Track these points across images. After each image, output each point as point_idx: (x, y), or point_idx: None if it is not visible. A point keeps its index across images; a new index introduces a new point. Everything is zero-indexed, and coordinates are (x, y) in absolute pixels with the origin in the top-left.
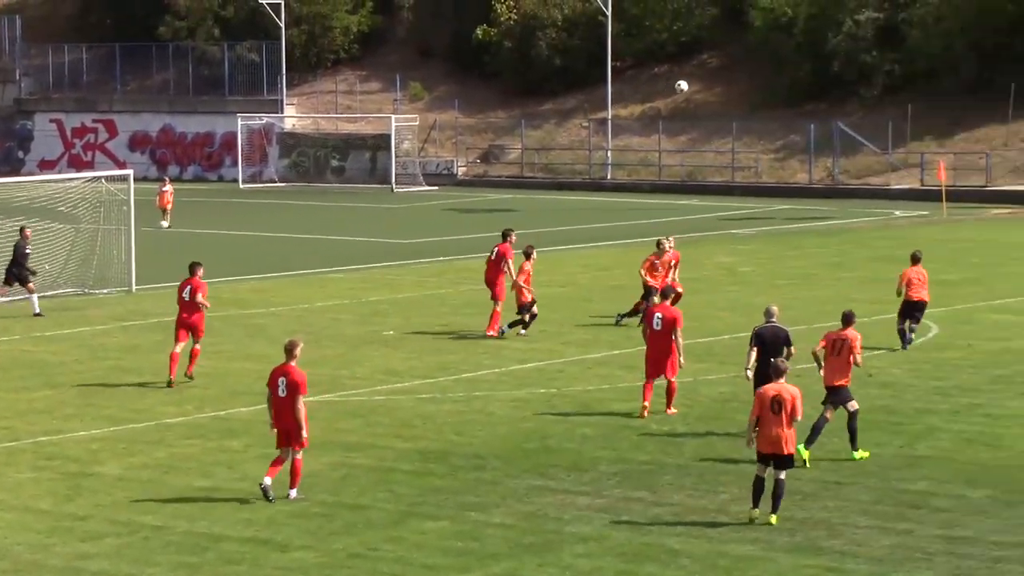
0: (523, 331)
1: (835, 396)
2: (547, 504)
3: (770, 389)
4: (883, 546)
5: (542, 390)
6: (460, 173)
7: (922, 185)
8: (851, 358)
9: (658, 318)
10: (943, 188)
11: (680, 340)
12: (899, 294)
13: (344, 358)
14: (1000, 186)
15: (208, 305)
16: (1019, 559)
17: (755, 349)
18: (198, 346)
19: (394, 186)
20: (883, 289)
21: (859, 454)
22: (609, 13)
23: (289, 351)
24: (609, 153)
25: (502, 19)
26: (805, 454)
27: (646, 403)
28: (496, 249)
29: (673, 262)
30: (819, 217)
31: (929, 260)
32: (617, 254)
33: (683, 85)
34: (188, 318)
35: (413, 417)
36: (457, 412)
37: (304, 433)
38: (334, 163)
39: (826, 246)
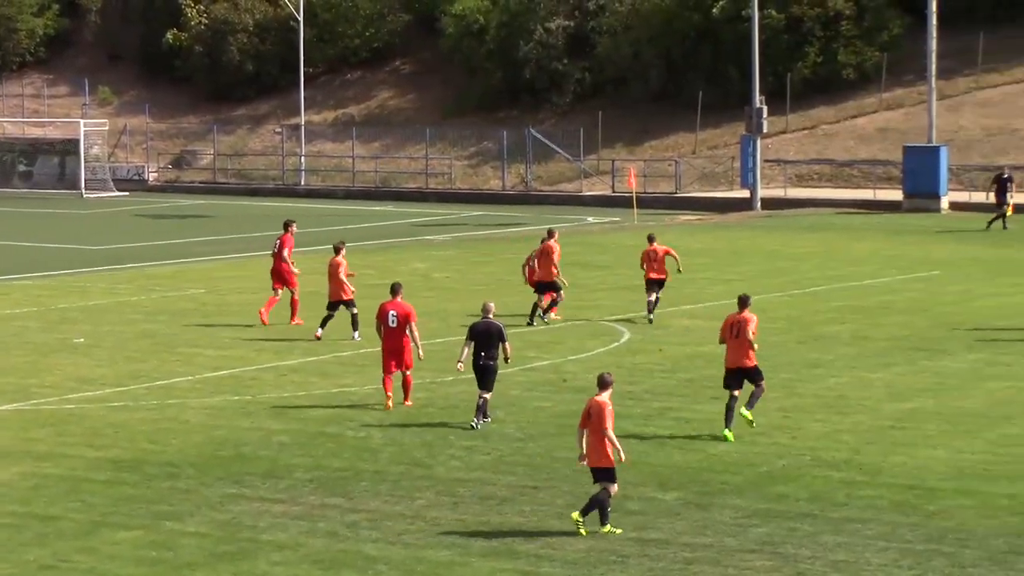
0: (321, 330)
1: (738, 377)
2: (242, 512)
3: (592, 402)
4: (578, 549)
5: (236, 397)
6: (151, 179)
7: (613, 192)
8: (749, 338)
9: (392, 315)
10: (634, 194)
11: (416, 334)
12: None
13: (33, 366)
14: (688, 192)
15: None
16: (710, 560)
17: (469, 343)
18: None
19: (84, 192)
20: (573, 294)
21: (747, 415)
22: (301, 18)
23: None
24: (303, 159)
25: (192, 23)
26: (748, 415)
27: (389, 394)
28: (278, 240)
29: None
30: (513, 223)
31: (619, 266)
32: (309, 260)
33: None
34: None
35: (105, 426)
36: (150, 420)
37: None
38: (21, 168)
39: (520, 252)
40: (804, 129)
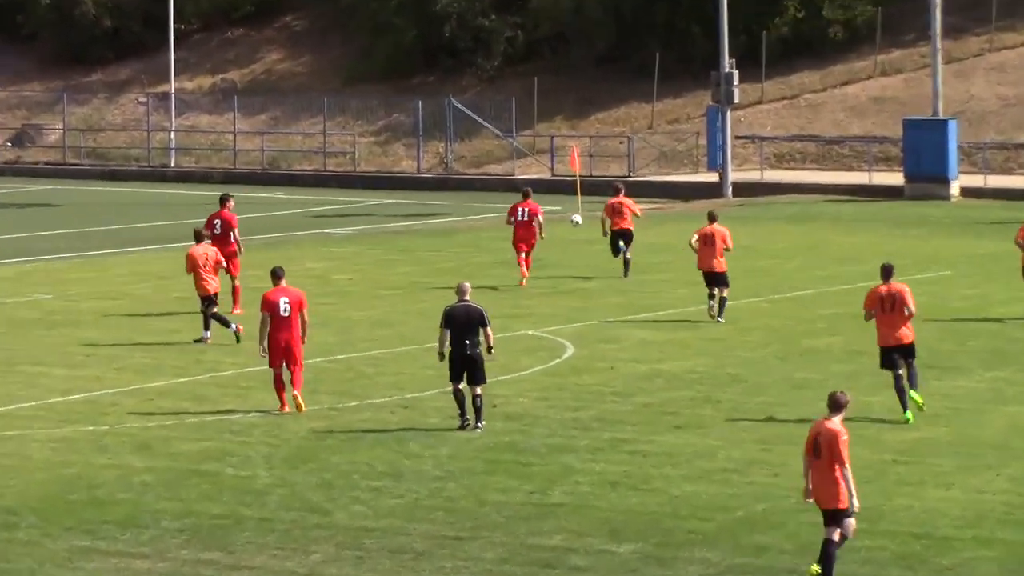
0: (207, 334)
1: (897, 354)
2: (97, 570)
3: (822, 428)
4: None
5: (91, 427)
6: None
7: (553, 175)
8: (912, 310)
9: (284, 303)
10: (578, 178)
11: (307, 322)
12: (605, 234)
13: None
14: (645, 176)
15: None
16: None
17: (445, 332)
18: None
19: None
20: (506, 302)
21: (918, 397)
22: None
23: None
24: (173, 135)
25: None
26: (919, 398)
27: (283, 397)
28: (217, 220)
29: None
30: (431, 213)
31: (560, 265)
32: (181, 259)
33: (577, 219)
34: None
35: None
36: None
37: None
38: None
39: (439, 249)
40: (783, 99)
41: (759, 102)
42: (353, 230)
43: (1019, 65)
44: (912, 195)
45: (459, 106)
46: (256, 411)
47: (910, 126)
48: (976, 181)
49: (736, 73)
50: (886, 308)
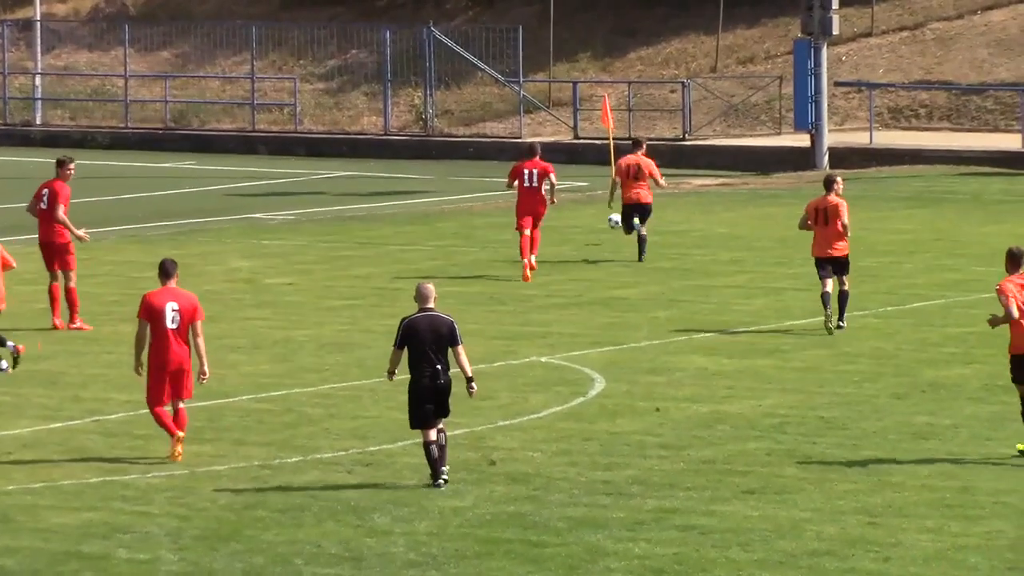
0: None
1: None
2: None
3: None
4: None
5: None
6: None
7: (576, 137)
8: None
9: (172, 312)
10: (611, 141)
11: (201, 342)
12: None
13: None
14: (706, 139)
15: None
16: None
17: (399, 353)
18: None
19: None
20: (510, 317)
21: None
22: None
23: None
24: (38, 79)
25: None
26: None
27: (177, 434)
28: (46, 190)
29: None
30: (403, 191)
31: (586, 265)
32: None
33: (616, 219)
34: None
35: None
36: None
37: None
38: None
39: (415, 241)
40: (903, 30)
41: (868, 34)
42: (294, 215)
43: None
44: None
45: (443, 39)
46: (160, 470)
47: None
48: None
49: None
50: (819, 221)
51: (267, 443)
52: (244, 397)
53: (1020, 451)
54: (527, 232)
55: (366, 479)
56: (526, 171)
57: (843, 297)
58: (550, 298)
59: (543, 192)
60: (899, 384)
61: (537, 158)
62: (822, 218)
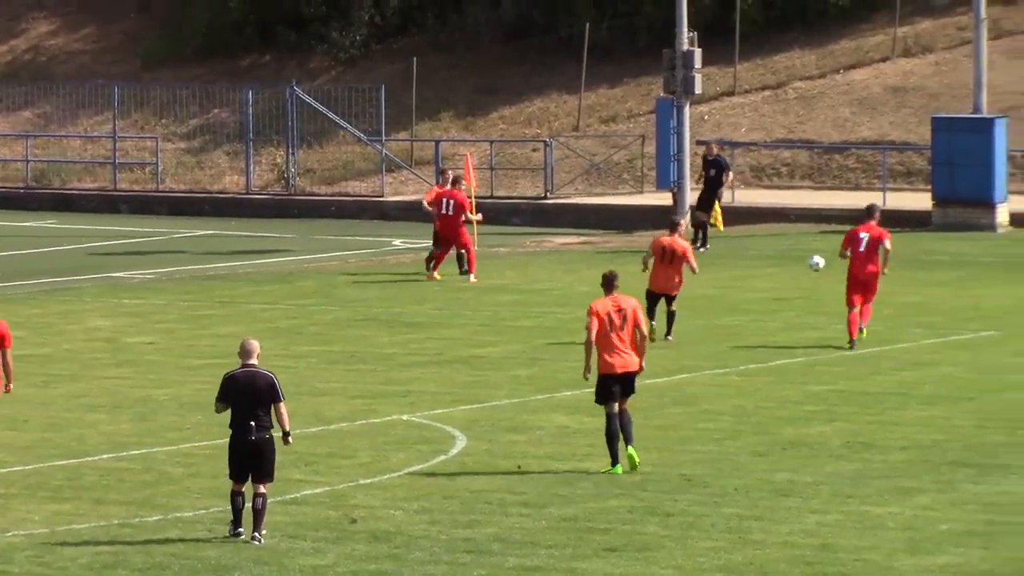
0: None
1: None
2: None
3: None
4: None
5: None
6: None
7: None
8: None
9: None
10: (473, 201)
11: (9, 361)
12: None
13: None
14: (568, 197)
15: None
16: None
17: (222, 407)
18: None
19: None
20: (370, 375)
21: None
22: None
23: None
24: None
25: None
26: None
27: None
28: None
29: None
30: (265, 250)
31: (449, 325)
32: None
33: (819, 261)
34: None
35: None
36: None
37: None
38: None
39: (276, 300)
40: (765, 89)
41: (731, 93)
42: (155, 274)
43: None
44: (943, 224)
45: (306, 98)
46: (19, 528)
47: (942, 127)
48: None
49: (698, 52)
50: (665, 260)
51: (127, 502)
52: (104, 456)
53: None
54: (442, 251)
55: (227, 538)
56: (445, 201)
57: (671, 316)
58: (411, 356)
59: (461, 222)
60: (760, 442)
61: (459, 189)
62: (668, 257)
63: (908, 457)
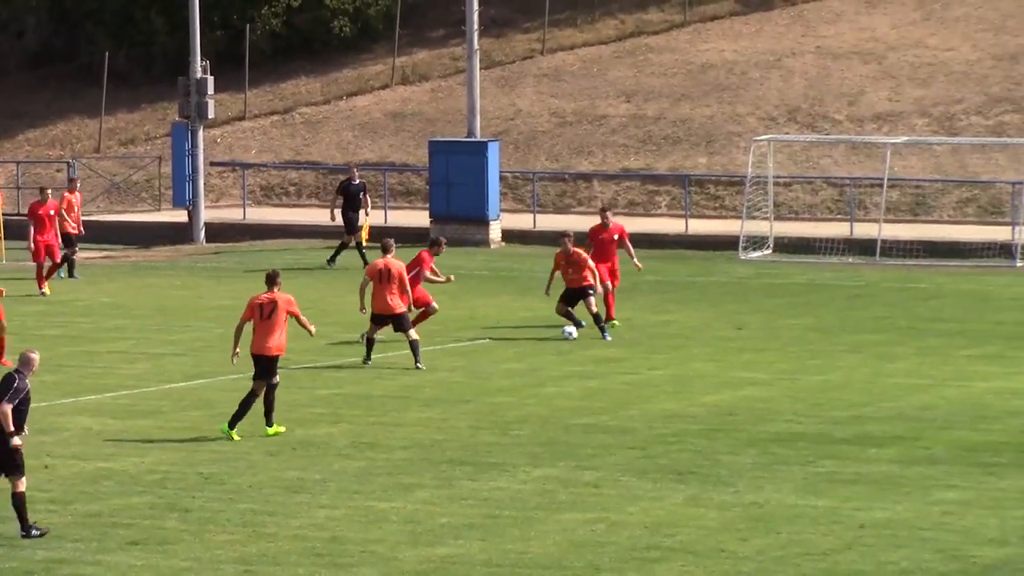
0: None
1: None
2: None
3: None
4: None
5: None
6: None
7: None
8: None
9: None
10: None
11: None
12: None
13: None
14: (91, 214)
15: None
16: None
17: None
18: None
19: None
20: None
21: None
22: None
23: None
24: None
25: None
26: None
27: None
28: None
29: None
30: None
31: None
32: None
33: (572, 332)
34: None
35: None
36: None
37: None
38: None
39: None
40: (273, 114)
41: (242, 118)
42: None
43: (579, 72)
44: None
45: None
46: None
47: (439, 150)
48: (524, 222)
49: (211, 79)
50: (383, 281)
51: None
52: None
53: (225, 432)
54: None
55: None
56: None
57: (414, 345)
58: None
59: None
60: (271, 442)
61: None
62: (385, 278)
63: (410, 456)
